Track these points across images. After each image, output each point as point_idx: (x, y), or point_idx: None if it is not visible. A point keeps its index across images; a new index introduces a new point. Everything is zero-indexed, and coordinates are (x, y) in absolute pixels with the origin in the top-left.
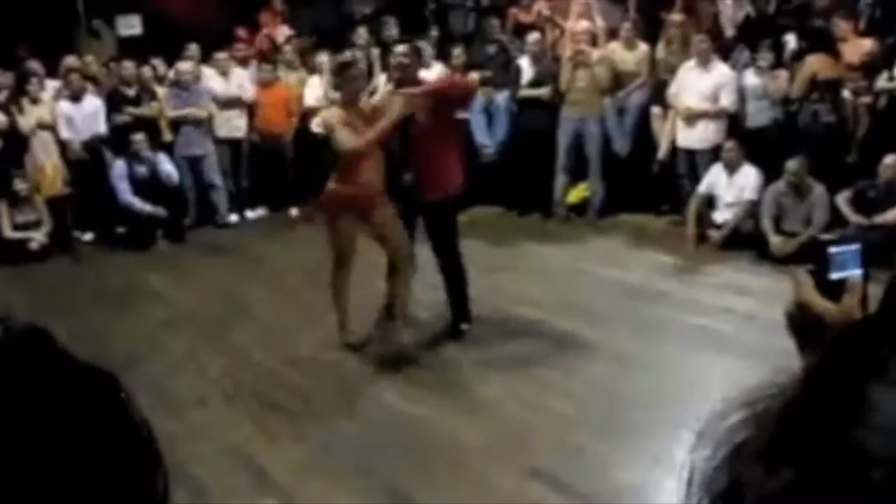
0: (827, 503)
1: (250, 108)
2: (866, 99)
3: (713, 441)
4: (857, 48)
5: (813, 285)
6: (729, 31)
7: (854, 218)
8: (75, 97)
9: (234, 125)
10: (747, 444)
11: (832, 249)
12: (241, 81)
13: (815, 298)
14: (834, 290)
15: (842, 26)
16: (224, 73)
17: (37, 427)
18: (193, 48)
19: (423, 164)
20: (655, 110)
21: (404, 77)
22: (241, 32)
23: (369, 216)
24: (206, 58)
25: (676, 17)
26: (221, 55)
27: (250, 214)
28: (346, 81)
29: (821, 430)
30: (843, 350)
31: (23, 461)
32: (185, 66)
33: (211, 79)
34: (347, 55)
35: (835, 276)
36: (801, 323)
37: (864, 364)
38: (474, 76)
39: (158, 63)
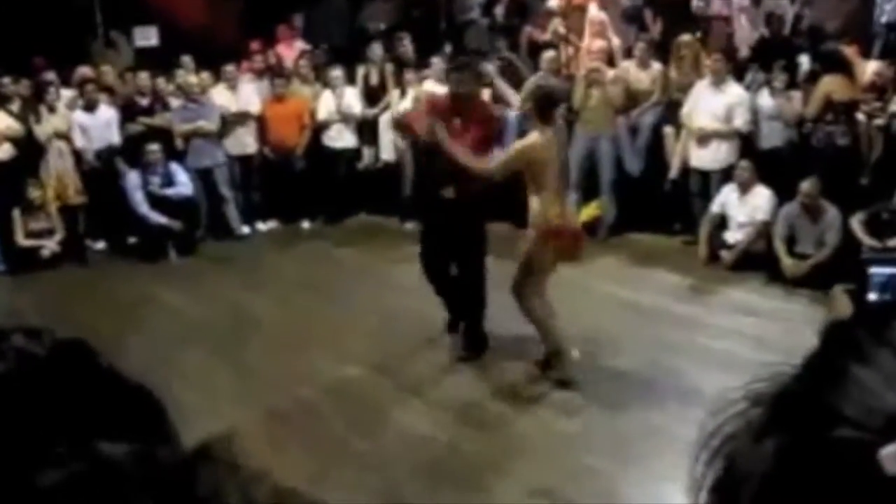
0: (799, 465)
1: (260, 123)
2: (880, 121)
3: (717, 426)
4: (865, 70)
5: (851, 306)
6: (743, 52)
7: (867, 241)
8: (90, 107)
9: (244, 141)
10: (743, 425)
11: (874, 270)
12: (248, 97)
13: None
14: None
15: (847, 50)
16: (232, 87)
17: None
18: (187, 60)
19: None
20: (668, 130)
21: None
22: (255, 45)
23: None
24: (219, 70)
25: (686, 37)
26: (230, 68)
27: (262, 227)
28: None
29: (802, 401)
30: (830, 340)
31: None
32: (192, 78)
33: (220, 94)
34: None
35: (873, 297)
36: None
37: (847, 349)
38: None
39: (181, 73)
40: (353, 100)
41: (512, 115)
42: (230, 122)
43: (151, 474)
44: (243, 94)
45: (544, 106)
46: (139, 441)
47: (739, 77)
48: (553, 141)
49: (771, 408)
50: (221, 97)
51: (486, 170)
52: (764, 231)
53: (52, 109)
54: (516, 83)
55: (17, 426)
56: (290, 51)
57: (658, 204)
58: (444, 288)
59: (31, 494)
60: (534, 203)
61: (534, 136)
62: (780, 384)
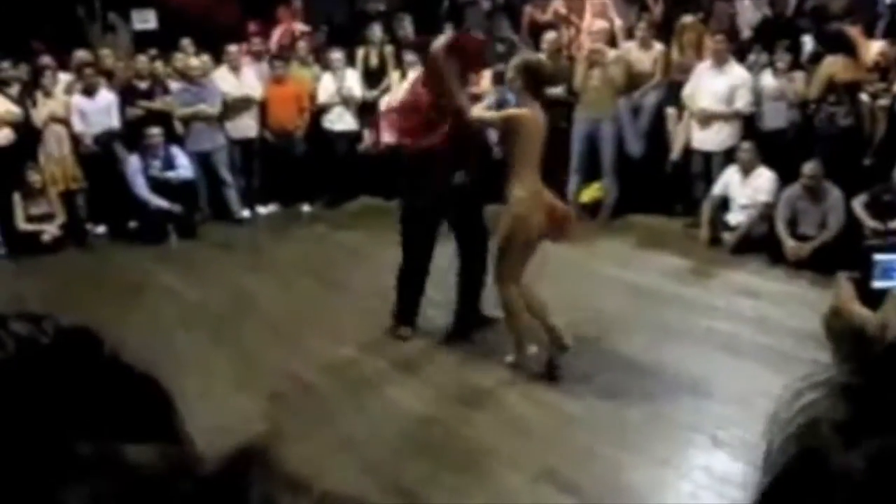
0: None
1: (261, 107)
2: (884, 101)
3: (788, 416)
4: (869, 51)
5: (854, 293)
6: (746, 33)
7: (869, 223)
8: (89, 91)
9: (244, 125)
10: (825, 418)
11: (877, 257)
12: (250, 81)
13: (855, 307)
14: (875, 299)
15: (851, 31)
16: (235, 69)
17: (84, 432)
18: (186, 43)
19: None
20: (670, 111)
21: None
22: (254, 27)
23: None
24: (219, 52)
25: (688, 18)
26: (233, 49)
27: (262, 210)
28: None
29: None
30: None
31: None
32: (193, 61)
33: (223, 78)
34: None
35: (877, 284)
36: (839, 331)
37: None
38: (487, 74)
39: (181, 56)
40: (353, 82)
41: (511, 95)
42: (232, 105)
43: (194, 486)
44: (246, 78)
45: (532, 79)
46: (153, 437)
47: (742, 58)
48: (541, 119)
49: (860, 405)
50: (225, 81)
51: (467, 114)
52: (766, 213)
53: (48, 94)
54: None
55: (27, 423)
56: (293, 32)
57: (660, 186)
58: (421, 278)
59: None
60: (513, 182)
61: (524, 109)
62: (860, 377)
